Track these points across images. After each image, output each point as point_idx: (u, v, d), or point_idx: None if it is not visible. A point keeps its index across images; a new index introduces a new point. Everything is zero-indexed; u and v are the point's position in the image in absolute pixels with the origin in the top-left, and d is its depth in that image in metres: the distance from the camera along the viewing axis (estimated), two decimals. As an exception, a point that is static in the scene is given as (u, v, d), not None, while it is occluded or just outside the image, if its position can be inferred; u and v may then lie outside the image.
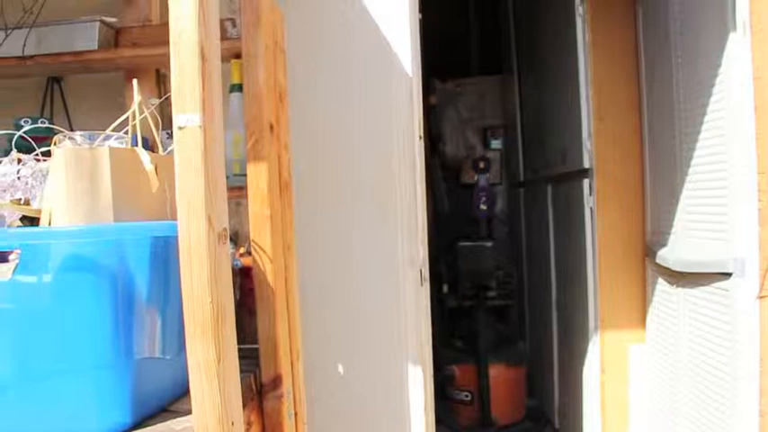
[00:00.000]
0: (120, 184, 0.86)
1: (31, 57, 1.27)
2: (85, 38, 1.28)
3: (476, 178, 3.42)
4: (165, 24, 1.43)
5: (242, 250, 1.28)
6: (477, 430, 2.77)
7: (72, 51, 1.26)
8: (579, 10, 2.26)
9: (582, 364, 2.40)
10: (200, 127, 0.83)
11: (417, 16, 1.53)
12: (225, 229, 0.89)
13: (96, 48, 1.27)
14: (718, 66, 1.69)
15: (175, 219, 1.07)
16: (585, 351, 2.35)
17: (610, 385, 2.27)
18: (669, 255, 1.99)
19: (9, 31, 1.23)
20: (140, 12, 1.37)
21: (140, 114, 0.95)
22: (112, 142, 0.94)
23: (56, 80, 1.49)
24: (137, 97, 0.93)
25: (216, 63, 0.89)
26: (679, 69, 1.92)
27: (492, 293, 3.05)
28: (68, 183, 0.84)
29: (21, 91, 1.53)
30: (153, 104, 1.08)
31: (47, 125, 1.26)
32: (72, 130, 1.49)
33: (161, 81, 1.39)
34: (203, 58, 0.84)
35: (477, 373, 2.77)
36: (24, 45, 1.24)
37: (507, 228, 3.58)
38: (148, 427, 0.88)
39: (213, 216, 0.84)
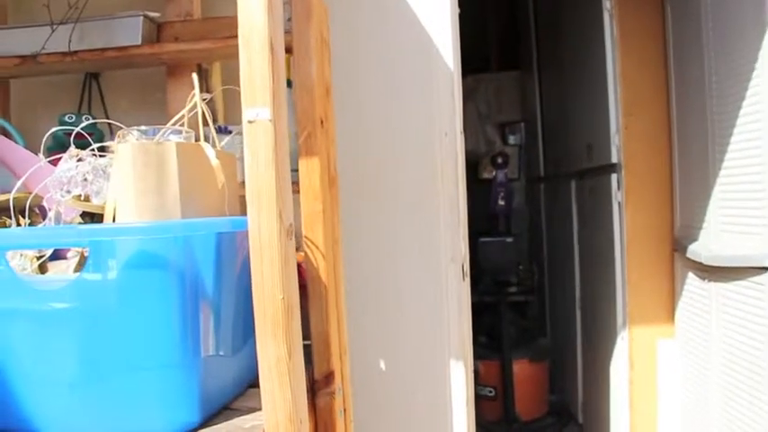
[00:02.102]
0: (185, 180, 0.86)
1: (74, 52, 1.25)
2: (129, 33, 1.26)
3: (494, 174, 3.41)
4: (206, 19, 1.42)
5: (288, 246, 1.27)
6: (501, 426, 2.77)
7: (116, 47, 1.25)
8: (606, 5, 2.25)
9: (608, 359, 2.39)
10: (270, 121, 0.82)
11: (457, 11, 1.52)
12: (291, 225, 0.88)
13: (140, 43, 1.27)
14: (755, 60, 1.68)
15: (232, 214, 1.07)
16: (613, 346, 2.35)
17: (638, 381, 2.26)
18: (701, 249, 1.98)
19: (55, 27, 1.22)
20: (181, 6, 1.36)
21: (200, 109, 0.93)
22: (174, 137, 0.93)
23: (94, 76, 1.48)
24: (197, 92, 0.92)
25: (282, 56, 0.88)
26: (711, 64, 1.91)
27: (513, 289, 3.04)
28: (135, 178, 0.83)
29: (58, 87, 1.52)
30: (204, 99, 1.07)
31: (91, 121, 1.25)
32: (110, 126, 1.48)
33: (202, 76, 1.38)
34: (273, 50, 0.83)
35: (500, 369, 2.76)
36: (70, 41, 1.23)
37: (526, 223, 3.57)
38: (215, 426, 0.87)
39: (283, 211, 0.83)
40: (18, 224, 1.00)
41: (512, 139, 3.67)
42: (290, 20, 1.30)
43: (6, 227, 1.00)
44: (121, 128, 0.95)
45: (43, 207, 1.04)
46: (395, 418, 1.49)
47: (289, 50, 1.34)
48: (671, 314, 2.25)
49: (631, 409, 2.26)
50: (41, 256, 0.95)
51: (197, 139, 1.13)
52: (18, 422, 0.86)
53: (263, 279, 0.83)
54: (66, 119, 1.26)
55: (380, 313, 1.47)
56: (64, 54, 1.27)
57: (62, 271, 0.96)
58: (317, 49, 1.17)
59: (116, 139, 0.87)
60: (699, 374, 2.04)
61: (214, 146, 1.06)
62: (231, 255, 0.92)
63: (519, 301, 3.08)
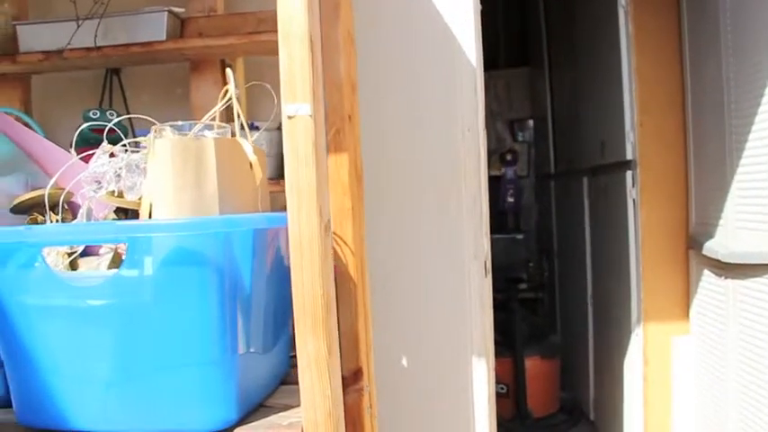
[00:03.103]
0: (223, 176, 0.85)
1: (99, 48, 1.25)
2: (153, 28, 1.26)
3: (503, 171, 3.41)
4: (230, 15, 1.42)
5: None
6: (513, 423, 2.77)
7: (141, 42, 1.25)
8: (622, 2, 2.24)
9: (622, 356, 2.39)
10: (310, 116, 0.82)
11: (479, 7, 1.51)
12: (329, 221, 0.87)
13: (164, 38, 1.26)
14: (775, 57, 1.68)
15: (265, 210, 1.07)
16: (627, 343, 2.35)
17: (652, 377, 2.26)
18: (718, 246, 1.98)
19: (81, 22, 1.21)
20: (205, 2, 1.35)
21: (236, 105, 0.93)
22: (208, 133, 0.93)
23: (115, 71, 1.47)
24: (232, 87, 0.91)
25: (319, 51, 0.87)
26: (729, 61, 1.90)
27: (523, 286, 3.04)
28: (174, 174, 0.83)
29: (79, 82, 1.51)
30: (236, 95, 1.06)
31: (116, 117, 1.25)
32: (131, 122, 1.48)
33: (225, 72, 1.37)
34: (312, 45, 0.83)
35: (512, 366, 2.77)
36: (96, 36, 1.22)
37: (535, 220, 3.57)
38: (252, 423, 0.87)
39: (323, 207, 0.83)
40: (50, 221, 0.99)
41: (521, 136, 3.67)
42: (315, 15, 1.30)
43: (38, 223, 1.00)
44: (154, 123, 0.95)
45: (72, 203, 1.04)
46: (418, 415, 1.49)
47: (313, 46, 1.35)
48: (685, 311, 2.25)
49: (645, 405, 2.26)
50: (72, 253, 0.95)
51: (231, 135, 1.13)
52: (55, 420, 0.86)
53: (302, 275, 0.82)
54: (91, 114, 1.25)
55: (404, 310, 1.47)
56: (88, 49, 1.26)
57: (93, 267, 0.95)
58: (345, 46, 1.17)
59: (151, 135, 0.87)
60: (714, 371, 2.04)
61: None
62: (264, 251, 0.91)
63: (529, 298, 3.08)
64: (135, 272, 0.81)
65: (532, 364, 2.76)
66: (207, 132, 0.94)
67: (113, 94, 1.48)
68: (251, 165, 0.94)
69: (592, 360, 2.75)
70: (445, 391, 1.49)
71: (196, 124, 0.92)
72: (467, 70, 1.46)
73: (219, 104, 0.92)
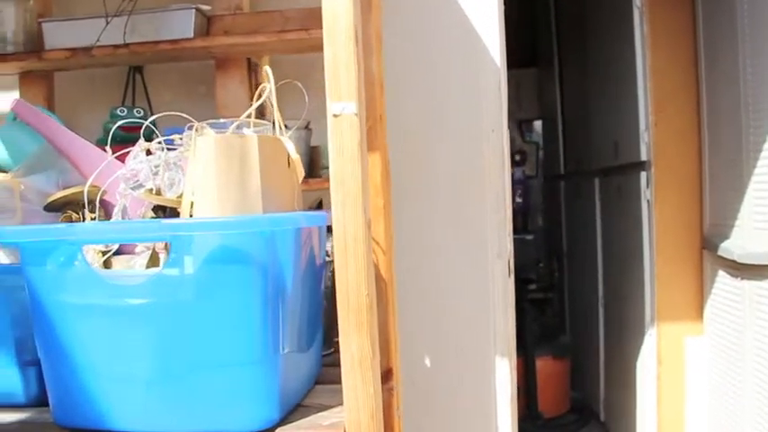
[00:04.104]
0: (265, 174, 0.85)
1: (127, 45, 1.24)
2: (181, 25, 1.25)
3: (511, 171, 3.41)
4: (257, 13, 1.41)
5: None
6: (524, 423, 2.76)
7: (169, 39, 1.24)
8: (636, 2, 2.24)
9: (635, 356, 2.39)
10: (355, 115, 0.81)
11: (503, 8, 1.51)
12: (370, 220, 0.87)
13: (192, 36, 1.25)
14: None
15: (299, 209, 1.06)
16: (639, 343, 2.35)
17: (666, 377, 2.26)
18: (734, 247, 1.98)
19: (110, 19, 1.20)
20: (231, 0, 1.35)
21: (275, 103, 0.92)
22: (246, 130, 0.92)
23: (137, 69, 1.47)
24: (272, 85, 0.90)
25: (361, 49, 0.87)
26: (746, 60, 1.91)
27: (533, 286, 3.04)
28: (218, 172, 0.82)
29: (100, 80, 1.50)
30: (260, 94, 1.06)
31: (143, 114, 1.24)
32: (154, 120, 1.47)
33: (251, 70, 1.37)
34: (357, 44, 0.82)
35: (523, 366, 2.76)
36: (125, 33, 1.21)
37: (543, 220, 3.57)
38: (294, 423, 0.86)
39: (367, 206, 0.82)
40: (84, 218, 0.99)
41: (529, 137, 3.67)
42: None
43: (72, 221, 0.99)
44: (188, 121, 0.94)
45: (103, 201, 1.03)
46: (440, 414, 1.49)
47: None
48: (699, 311, 2.25)
49: (659, 405, 2.26)
50: (107, 251, 0.95)
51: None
52: (93, 420, 0.85)
53: (347, 274, 0.82)
54: (118, 112, 1.25)
55: (428, 309, 1.46)
56: (115, 46, 1.26)
57: (128, 266, 0.95)
58: (375, 45, 1.17)
59: (191, 133, 0.86)
60: (730, 372, 2.04)
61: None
62: (300, 250, 0.91)
63: (539, 299, 3.08)
64: (179, 270, 0.80)
65: (544, 364, 2.76)
66: (245, 130, 0.93)
67: (136, 91, 1.48)
68: (288, 162, 0.93)
69: (602, 360, 2.75)
70: (468, 391, 1.49)
71: (233, 122, 0.91)
72: (491, 69, 1.46)
73: (257, 102, 0.92)
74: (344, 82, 0.81)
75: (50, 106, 1.41)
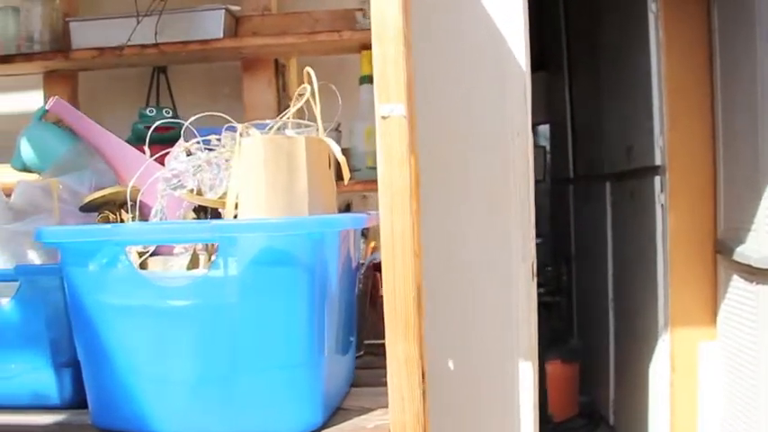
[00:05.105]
0: (312, 175, 0.84)
1: (156, 44, 1.24)
2: (210, 26, 1.25)
3: (519, 174, 3.40)
4: (285, 14, 1.41)
5: (372, 245, 1.26)
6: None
7: (199, 40, 1.23)
8: (652, 7, 2.24)
9: (647, 361, 2.39)
10: (404, 117, 0.81)
11: (527, 10, 1.51)
12: (415, 223, 0.87)
13: (222, 36, 1.25)
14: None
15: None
16: (652, 348, 2.35)
17: (679, 382, 2.26)
18: (750, 252, 1.98)
19: (140, 18, 1.20)
20: (259, 0, 1.34)
21: (318, 104, 0.92)
22: (288, 131, 0.92)
23: (161, 69, 1.46)
24: (315, 86, 0.90)
25: (409, 51, 0.87)
26: (764, 63, 1.91)
27: (541, 290, 3.04)
28: (266, 173, 0.82)
29: (123, 81, 1.50)
30: (301, 95, 1.05)
31: (171, 115, 1.23)
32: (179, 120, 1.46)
33: (279, 71, 1.36)
34: (406, 44, 0.82)
35: (532, 370, 2.76)
36: (156, 32, 1.21)
37: (551, 224, 3.57)
38: (337, 426, 0.86)
39: (414, 207, 0.82)
40: (122, 219, 0.98)
41: (536, 141, 3.67)
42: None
43: (109, 221, 0.98)
44: (228, 121, 0.94)
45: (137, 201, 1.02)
46: (463, 417, 1.48)
47: (369, 47, 1.34)
48: (712, 316, 2.25)
49: (672, 410, 2.26)
50: (144, 252, 0.94)
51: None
52: (133, 422, 0.84)
53: (394, 276, 0.82)
54: (147, 112, 1.24)
55: (451, 312, 1.46)
56: (143, 46, 1.25)
57: (166, 267, 0.94)
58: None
59: (237, 134, 0.86)
60: (745, 377, 2.04)
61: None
62: (341, 252, 0.90)
63: (547, 302, 3.08)
64: (228, 272, 0.80)
65: (554, 368, 2.75)
66: (286, 131, 0.93)
67: (160, 92, 1.47)
68: (330, 163, 0.93)
69: (612, 364, 2.75)
70: (491, 394, 1.48)
71: (274, 123, 0.91)
72: (517, 73, 1.46)
73: (299, 103, 0.91)
74: (393, 83, 0.81)
75: (75, 106, 1.40)
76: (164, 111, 1.25)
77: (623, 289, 2.67)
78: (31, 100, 1.51)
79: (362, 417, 0.89)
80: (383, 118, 0.81)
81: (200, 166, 0.92)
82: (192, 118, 0.93)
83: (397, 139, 0.81)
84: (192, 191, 0.91)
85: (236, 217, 0.86)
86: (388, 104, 0.81)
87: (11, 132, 1.32)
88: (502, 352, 1.47)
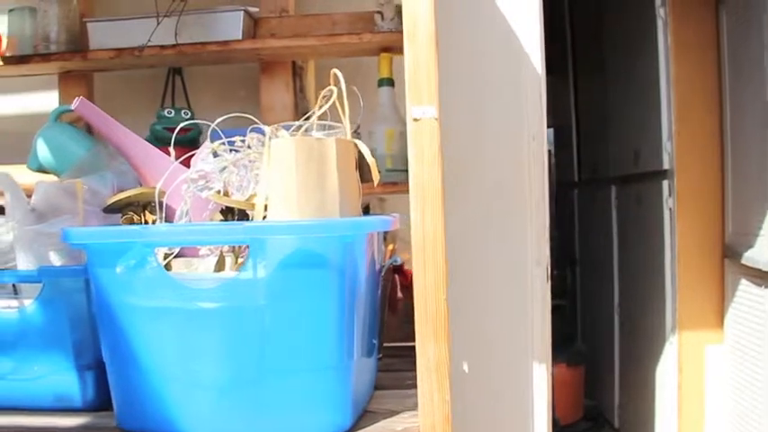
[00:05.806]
0: (342, 177, 0.84)
1: (175, 45, 1.23)
2: (229, 27, 1.25)
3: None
4: (303, 16, 1.41)
5: (390, 247, 1.26)
6: (539, 430, 2.76)
7: (218, 41, 1.23)
8: (660, 12, 2.25)
9: (653, 364, 2.39)
10: (435, 119, 0.81)
11: (542, 13, 1.51)
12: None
13: (241, 38, 1.25)
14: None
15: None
16: (658, 352, 2.35)
17: (686, 386, 2.26)
18: (758, 256, 1.99)
19: (161, 19, 1.20)
20: (277, 2, 1.34)
21: (346, 106, 0.92)
22: (316, 133, 0.92)
23: (177, 71, 1.46)
24: (344, 87, 0.90)
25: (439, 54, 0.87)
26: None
27: (546, 293, 3.04)
28: (298, 174, 0.82)
29: (138, 82, 1.49)
30: (325, 96, 1.05)
31: (190, 116, 1.23)
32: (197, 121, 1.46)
33: (296, 73, 1.36)
34: (438, 47, 0.82)
35: (537, 373, 2.76)
36: (176, 33, 1.21)
37: (555, 227, 3.58)
38: (365, 429, 0.86)
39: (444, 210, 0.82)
40: (146, 220, 0.98)
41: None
42: (392, 19, 1.30)
43: (133, 222, 0.98)
44: (259, 125, 0.93)
45: (161, 203, 1.02)
46: (477, 420, 1.48)
47: (388, 49, 1.34)
48: (719, 320, 2.26)
49: (679, 413, 2.26)
50: (169, 254, 0.94)
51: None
52: (159, 425, 0.84)
53: (425, 279, 0.82)
54: (166, 113, 1.24)
55: (466, 314, 1.46)
56: (162, 47, 1.25)
57: (191, 269, 0.94)
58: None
59: (267, 135, 0.86)
60: (752, 381, 2.04)
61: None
62: (367, 254, 0.90)
63: (552, 305, 3.08)
64: (257, 274, 0.79)
65: (559, 372, 2.75)
66: (314, 133, 0.93)
67: (175, 93, 1.47)
68: (356, 165, 0.93)
69: (617, 367, 2.75)
70: (505, 396, 1.48)
71: (304, 124, 0.91)
72: (533, 78, 1.46)
73: (327, 105, 0.91)
74: (425, 86, 0.81)
75: (91, 107, 1.40)
76: (182, 112, 1.25)
77: (629, 292, 2.67)
78: (44, 101, 1.50)
79: (390, 419, 0.89)
80: (415, 120, 0.81)
81: (226, 167, 0.91)
82: (219, 119, 0.93)
83: (429, 141, 0.81)
84: (219, 192, 0.91)
85: (264, 218, 0.86)
86: (420, 107, 0.81)
87: (25, 133, 1.31)
88: (516, 354, 1.47)
